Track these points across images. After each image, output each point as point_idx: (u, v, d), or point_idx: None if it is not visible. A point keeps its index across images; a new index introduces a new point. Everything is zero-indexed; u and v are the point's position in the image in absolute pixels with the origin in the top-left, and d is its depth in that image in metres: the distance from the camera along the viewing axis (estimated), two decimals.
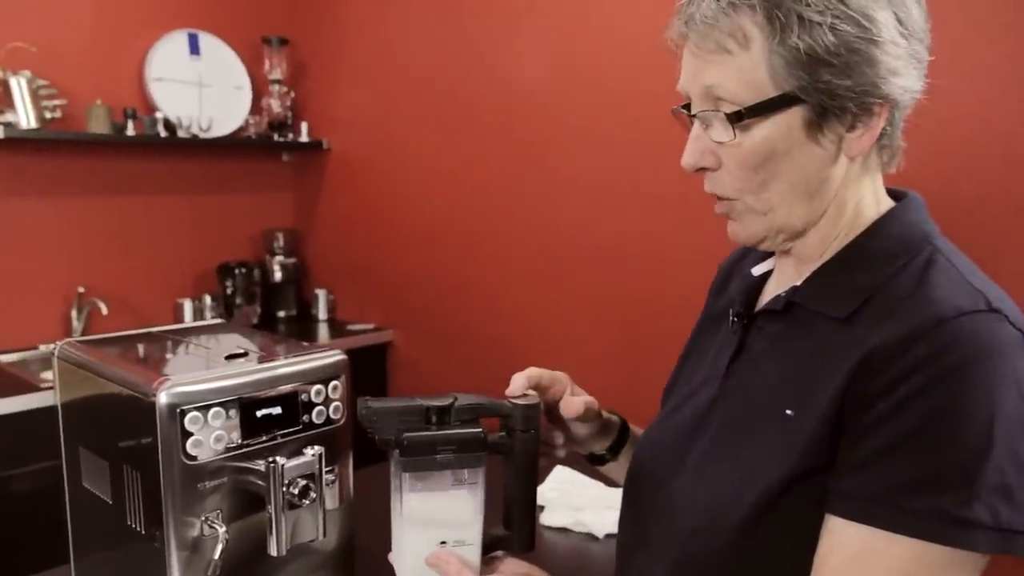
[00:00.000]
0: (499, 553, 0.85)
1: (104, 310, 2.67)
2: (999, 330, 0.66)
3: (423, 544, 0.79)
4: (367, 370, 2.99)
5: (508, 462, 0.82)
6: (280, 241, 3.21)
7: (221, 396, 0.96)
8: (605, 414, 0.99)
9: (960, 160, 1.63)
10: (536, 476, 0.83)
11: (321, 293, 3.20)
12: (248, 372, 1.00)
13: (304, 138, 3.16)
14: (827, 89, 0.70)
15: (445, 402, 0.78)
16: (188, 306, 2.95)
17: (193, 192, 3.04)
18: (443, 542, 0.79)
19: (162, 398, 0.92)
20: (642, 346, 2.21)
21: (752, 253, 0.92)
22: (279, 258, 3.18)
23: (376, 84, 2.96)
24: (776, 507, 0.72)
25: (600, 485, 1.57)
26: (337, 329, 3.08)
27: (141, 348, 1.12)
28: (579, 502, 1.48)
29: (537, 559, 1.36)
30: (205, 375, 0.97)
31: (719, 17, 0.71)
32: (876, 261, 0.75)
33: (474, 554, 0.80)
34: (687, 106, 0.78)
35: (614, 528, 1.42)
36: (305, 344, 1.13)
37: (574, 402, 0.89)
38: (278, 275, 3.17)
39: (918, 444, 0.64)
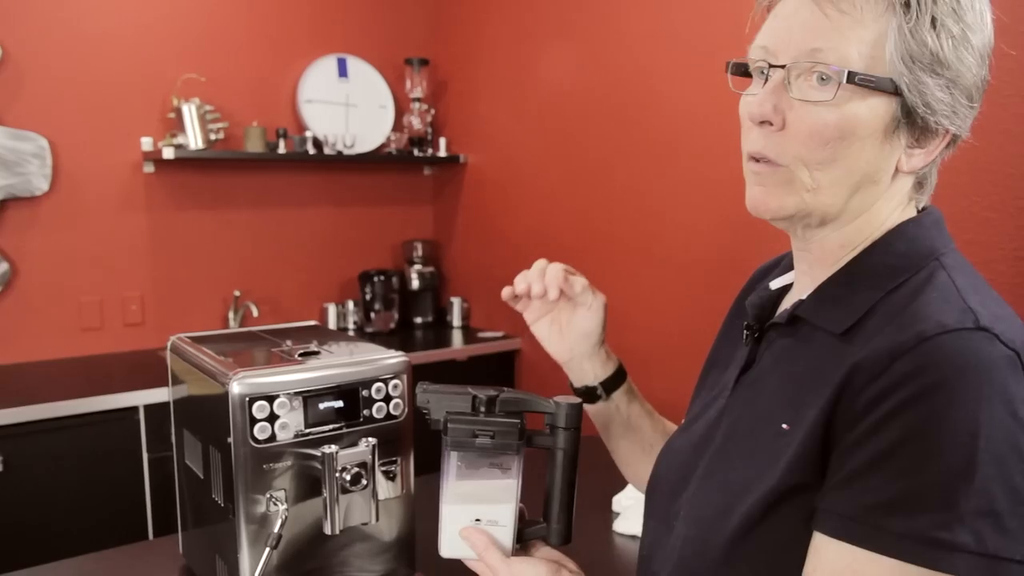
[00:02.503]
0: (536, 542, 0.90)
1: (255, 312, 2.95)
2: (985, 349, 0.64)
3: (460, 519, 0.86)
4: (496, 375, 3.09)
5: (550, 457, 0.87)
6: (419, 251, 3.39)
7: (286, 388, 1.07)
8: (609, 352, 1.04)
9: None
10: (575, 472, 0.88)
11: (456, 301, 3.35)
12: (312, 368, 1.11)
13: (442, 153, 3.32)
14: (925, 95, 0.70)
15: (492, 393, 0.84)
16: (332, 310, 3.18)
17: (338, 205, 3.29)
18: (477, 520, 0.86)
19: (234, 388, 1.05)
20: None
21: (778, 268, 0.92)
22: (417, 267, 3.36)
23: (510, 101, 3.07)
24: (764, 521, 0.72)
25: None
26: (469, 335, 3.21)
27: (236, 345, 1.27)
28: None
29: (606, 565, 1.40)
30: (274, 369, 1.09)
31: None
32: (878, 276, 0.73)
33: (505, 535, 0.86)
34: (743, 64, 0.77)
35: None
36: (376, 347, 1.22)
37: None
38: (416, 283, 3.35)
39: (898, 463, 0.63)
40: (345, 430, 1.12)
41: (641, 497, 1.56)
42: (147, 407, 2.35)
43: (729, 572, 0.75)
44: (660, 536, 0.86)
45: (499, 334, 3.17)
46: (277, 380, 1.07)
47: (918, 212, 0.79)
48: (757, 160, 0.75)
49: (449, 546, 0.87)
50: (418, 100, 3.31)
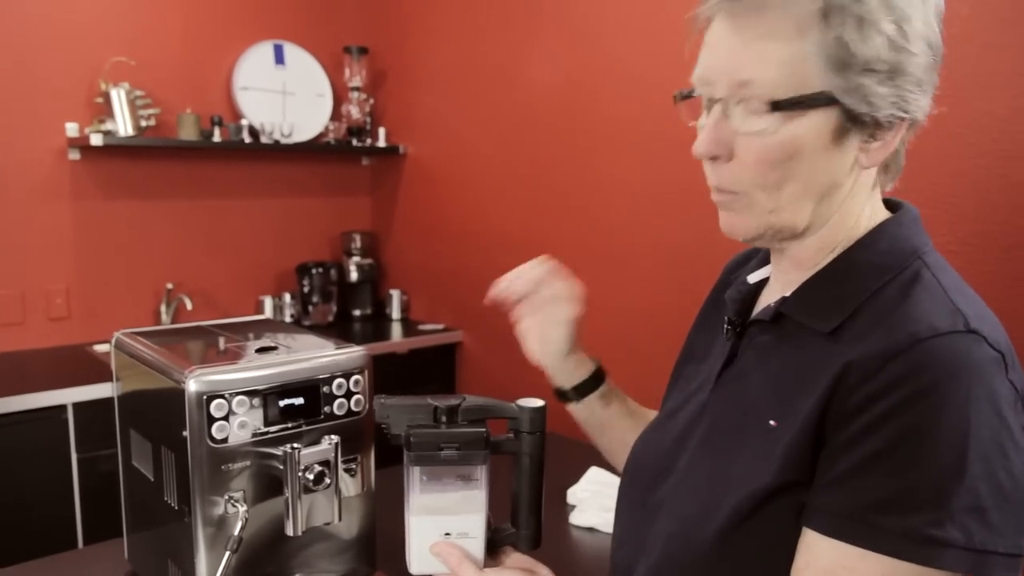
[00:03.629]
0: (507, 548, 0.88)
1: (189, 305, 2.85)
2: (975, 351, 0.66)
3: (429, 534, 0.83)
4: (436, 369, 3.07)
5: (515, 462, 0.85)
6: (357, 243, 3.34)
7: (245, 386, 1.04)
8: (585, 355, 1.04)
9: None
10: (542, 476, 0.86)
11: (395, 293, 3.31)
12: (272, 364, 1.07)
13: (382, 143, 3.27)
14: (865, 96, 0.69)
15: (453, 403, 0.82)
16: (269, 303, 3.10)
17: (275, 195, 3.21)
18: (447, 533, 0.83)
19: (191, 385, 1.01)
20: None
21: (754, 259, 0.93)
22: (356, 259, 3.31)
23: (451, 91, 3.05)
24: (753, 517, 0.72)
25: None
26: (409, 328, 3.18)
27: (186, 340, 1.22)
28: (610, 503, 1.50)
29: (564, 557, 1.40)
30: (232, 366, 1.05)
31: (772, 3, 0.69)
32: (864, 275, 0.74)
33: (477, 547, 0.84)
34: (688, 94, 0.77)
35: None
36: (333, 341, 1.20)
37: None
38: (354, 275, 3.29)
39: (891, 463, 0.65)
40: (305, 428, 1.09)
41: (597, 490, 1.58)
42: (76, 405, 2.25)
43: (717, 567, 0.75)
44: (636, 526, 0.86)
45: (440, 327, 3.14)
46: (236, 377, 1.03)
47: (890, 205, 0.80)
48: (719, 189, 0.76)
49: (419, 562, 0.84)
50: (357, 89, 3.24)
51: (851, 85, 0.68)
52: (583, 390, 1.04)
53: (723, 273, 1.00)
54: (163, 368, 1.07)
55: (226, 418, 1.02)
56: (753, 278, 0.89)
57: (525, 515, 0.86)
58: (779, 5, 0.68)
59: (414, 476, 0.82)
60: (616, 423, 1.06)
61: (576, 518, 1.49)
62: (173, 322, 2.88)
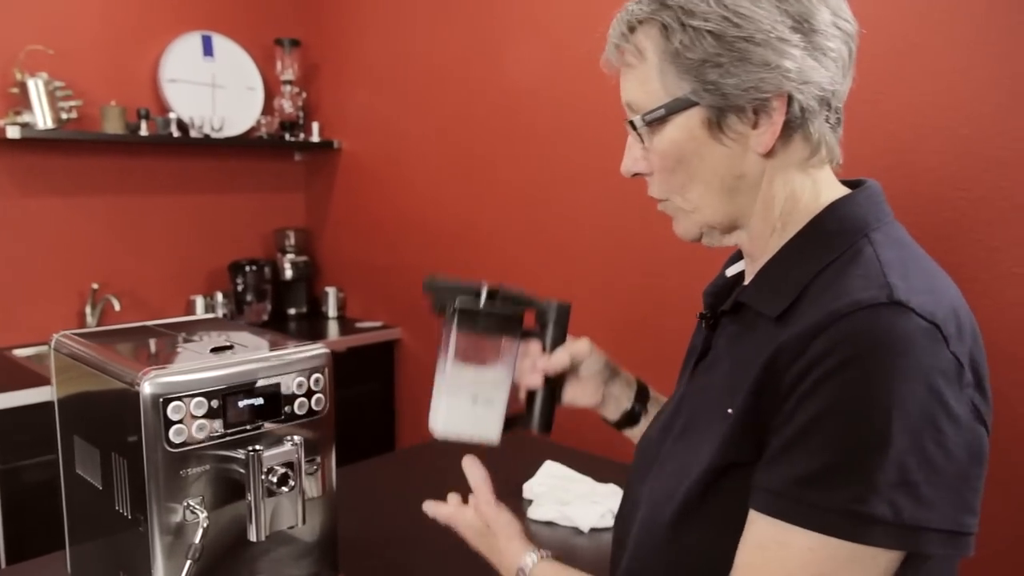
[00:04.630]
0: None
1: (117, 306, 2.74)
2: (899, 322, 0.65)
3: (459, 396, 0.93)
4: (376, 367, 3.03)
5: (545, 349, 0.96)
6: (291, 240, 3.26)
7: (203, 387, 0.99)
8: (622, 371, 1.06)
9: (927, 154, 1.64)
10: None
11: (331, 291, 3.25)
12: (230, 364, 1.03)
13: (315, 138, 3.20)
14: (716, 89, 0.73)
15: (495, 286, 0.93)
16: (200, 303, 3.00)
17: (206, 191, 3.10)
18: (475, 396, 0.93)
19: (146, 388, 0.96)
20: (652, 343, 2.23)
21: (738, 253, 0.94)
22: (290, 256, 3.23)
23: (386, 85, 3.00)
24: (703, 500, 0.74)
25: (588, 480, 1.59)
26: (346, 326, 3.12)
27: (133, 340, 1.16)
28: (567, 496, 1.51)
29: None
30: (188, 366, 1.00)
31: (622, 38, 0.78)
32: (809, 258, 0.75)
33: (496, 417, 0.95)
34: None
35: (599, 522, 1.45)
36: (291, 339, 1.16)
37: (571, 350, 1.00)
38: (289, 273, 3.22)
39: (816, 438, 0.65)
40: (263, 429, 1.05)
41: (553, 483, 1.58)
42: None
43: (675, 551, 0.77)
44: (627, 519, 0.88)
45: (378, 324, 3.10)
46: (193, 378, 0.99)
47: (852, 184, 0.81)
48: (654, 200, 0.84)
49: (445, 424, 0.93)
50: (289, 83, 3.17)
51: (704, 83, 0.73)
52: (642, 398, 1.05)
53: (721, 269, 1.01)
54: (112, 371, 1.02)
55: (183, 421, 0.98)
56: (731, 271, 0.91)
57: (541, 401, 0.96)
58: (624, 40, 0.78)
59: (452, 342, 0.92)
60: None
61: (534, 512, 1.49)
62: (99, 324, 2.75)
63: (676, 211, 0.82)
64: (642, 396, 1.06)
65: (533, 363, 0.98)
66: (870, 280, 0.69)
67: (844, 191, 0.80)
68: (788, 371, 0.68)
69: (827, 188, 0.79)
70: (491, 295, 0.93)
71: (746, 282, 0.82)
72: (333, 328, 3.13)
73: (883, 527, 0.63)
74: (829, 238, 0.75)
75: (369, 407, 3.03)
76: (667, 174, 0.79)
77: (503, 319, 0.92)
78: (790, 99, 0.73)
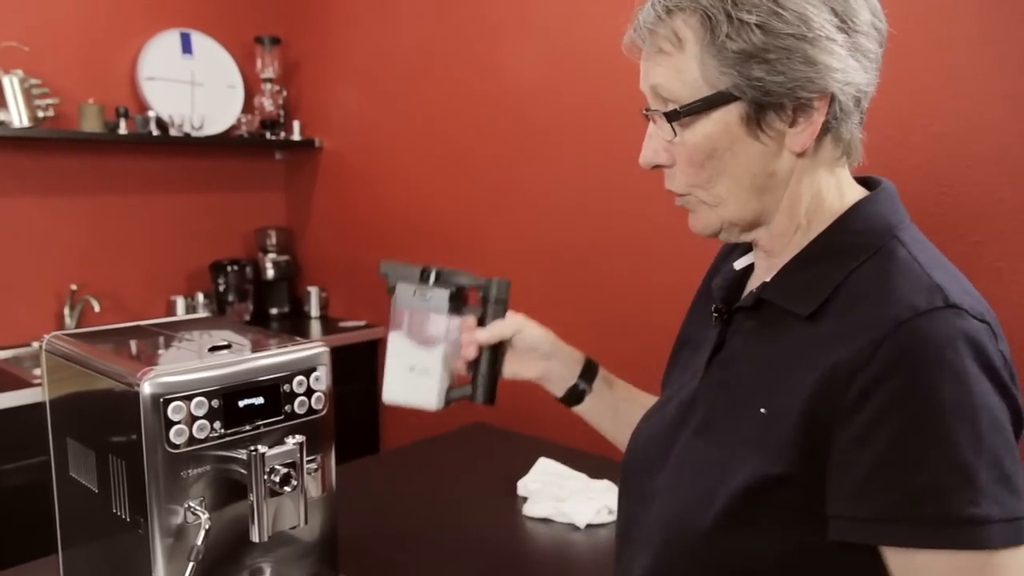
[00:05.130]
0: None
1: (97, 307, 2.69)
2: (959, 324, 0.66)
3: (398, 366, 1.05)
4: (359, 366, 3.01)
5: (480, 325, 1.02)
6: (272, 239, 3.23)
7: (203, 387, 0.98)
8: (568, 347, 1.06)
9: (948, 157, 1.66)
10: (501, 342, 1.03)
11: (313, 291, 3.22)
12: (230, 363, 1.02)
13: (296, 137, 3.17)
14: (760, 86, 0.71)
15: (435, 268, 1.02)
16: (181, 303, 2.96)
17: (186, 190, 3.06)
18: (412, 367, 1.04)
19: (146, 388, 0.94)
20: (633, 338, 2.23)
21: (741, 245, 0.93)
22: (271, 256, 3.20)
23: (368, 83, 2.98)
24: (746, 506, 0.73)
25: (583, 477, 1.59)
26: (329, 326, 3.10)
27: (128, 341, 1.14)
28: (562, 493, 1.51)
29: (521, 547, 1.39)
30: (188, 366, 0.99)
31: (657, 22, 0.75)
32: (839, 257, 0.75)
33: (431, 385, 1.03)
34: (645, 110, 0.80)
35: (595, 518, 1.45)
36: (289, 337, 1.15)
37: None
38: (270, 273, 3.18)
39: (910, 454, 0.64)
40: (264, 429, 1.04)
41: (548, 480, 1.58)
42: None
43: (712, 555, 0.75)
44: (636, 514, 0.86)
45: (361, 323, 3.08)
46: (193, 378, 0.98)
47: (869, 184, 0.81)
48: (677, 194, 0.81)
49: (386, 390, 1.05)
50: (270, 81, 3.13)
51: (747, 79, 0.71)
52: (588, 376, 1.05)
53: (714, 261, 1.01)
54: (110, 371, 1.00)
55: (184, 421, 0.96)
56: (739, 264, 0.90)
57: (483, 373, 1.02)
58: (661, 25, 0.74)
59: (395, 318, 1.03)
60: (624, 405, 1.06)
61: (529, 509, 1.49)
62: (79, 326, 2.71)
63: (698, 205, 0.80)
64: (588, 374, 1.06)
65: (470, 336, 1.02)
66: (917, 283, 0.69)
67: (863, 191, 0.80)
68: (852, 383, 0.67)
69: (848, 187, 0.80)
70: (425, 275, 1.02)
71: (767, 278, 0.80)
72: (316, 328, 3.10)
73: (995, 526, 0.63)
74: (858, 237, 0.75)
75: (353, 407, 3.01)
76: (694, 168, 0.77)
77: (439, 295, 1.01)
78: (832, 99, 0.73)
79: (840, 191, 0.79)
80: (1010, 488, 0.64)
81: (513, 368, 1.05)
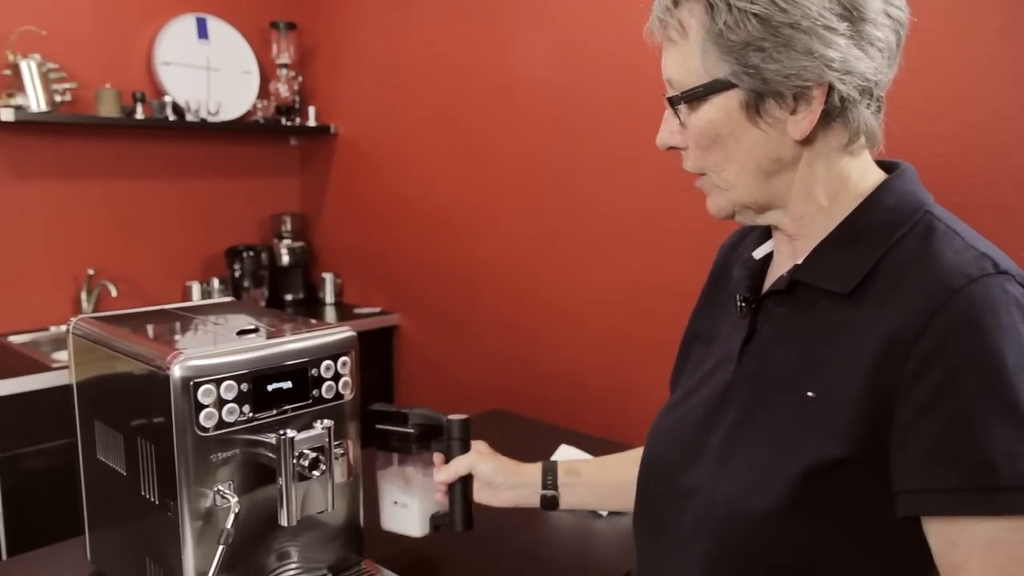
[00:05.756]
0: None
1: (114, 292, 2.70)
2: (1011, 290, 0.67)
3: (385, 501, 1.18)
4: (374, 353, 3.01)
5: (447, 461, 1.13)
6: (288, 225, 3.23)
7: (233, 370, 0.98)
8: (518, 464, 1.15)
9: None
10: (469, 474, 1.13)
11: (328, 277, 3.22)
12: (259, 347, 1.02)
13: (312, 122, 3.17)
14: (757, 74, 0.73)
15: (405, 410, 1.14)
16: (196, 289, 2.97)
17: (202, 176, 3.06)
18: (395, 502, 1.17)
19: (176, 371, 0.94)
20: (648, 328, 2.23)
21: (749, 236, 0.93)
22: (287, 242, 3.20)
23: (383, 69, 2.97)
24: (806, 493, 0.72)
25: None
26: (344, 312, 3.10)
27: (154, 324, 1.14)
28: None
29: (543, 536, 1.39)
30: (218, 349, 0.99)
31: (666, 12, 0.77)
32: (875, 233, 0.75)
33: (411, 517, 1.16)
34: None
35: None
36: (314, 321, 1.15)
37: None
38: (285, 259, 3.19)
39: (977, 420, 0.64)
40: (292, 413, 1.04)
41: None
42: None
43: (774, 544, 0.74)
44: (665, 514, 0.85)
45: (376, 310, 3.08)
46: (223, 361, 0.97)
47: (886, 167, 0.81)
48: (690, 173, 0.83)
49: (381, 521, 1.18)
50: (285, 66, 3.13)
51: (745, 67, 0.73)
52: (551, 481, 1.12)
53: (719, 254, 1.00)
54: (139, 354, 1.00)
55: (214, 405, 0.96)
56: (758, 253, 0.89)
57: (457, 502, 1.13)
58: (669, 15, 0.77)
59: (378, 459, 1.17)
60: (603, 479, 1.14)
61: None
62: (96, 310, 2.72)
63: (712, 188, 0.82)
64: (550, 480, 1.13)
65: (437, 474, 1.13)
66: (963, 252, 0.70)
67: (884, 173, 0.80)
68: (910, 356, 0.67)
69: (871, 170, 0.80)
70: (406, 417, 1.14)
71: (796, 261, 0.80)
72: (331, 314, 3.11)
73: None
74: (891, 214, 0.75)
75: (368, 393, 3.00)
76: (702, 151, 0.79)
77: (407, 438, 1.13)
78: (830, 89, 0.73)
79: (863, 173, 0.79)
80: None
81: (482, 497, 1.14)
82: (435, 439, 1.15)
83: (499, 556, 1.32)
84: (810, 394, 0.73)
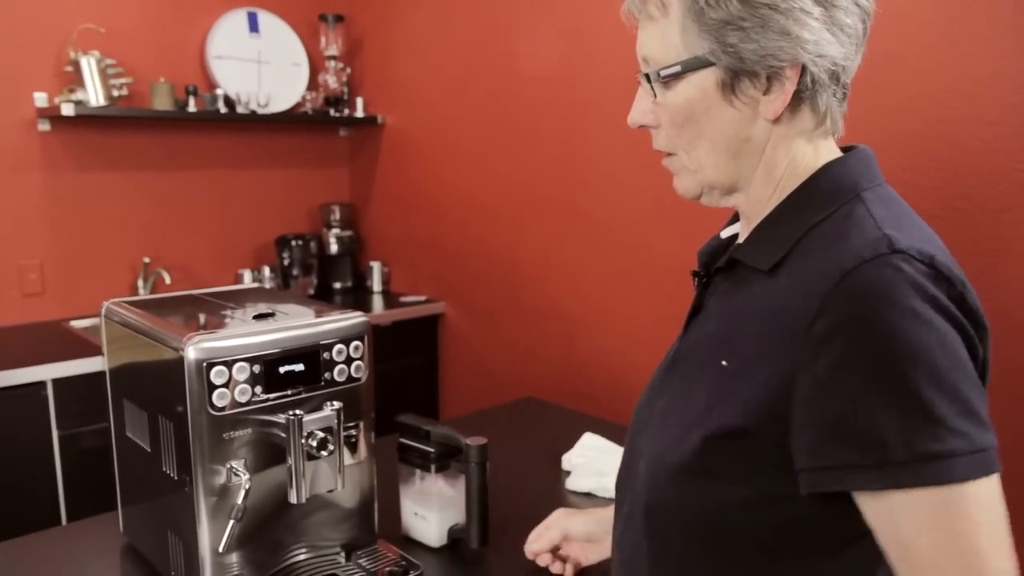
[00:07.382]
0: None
1: (168, 279, 2.81)
2: (903, 268, 0.67)
3: (407, 511, 1.26)
4: (419, 341, 3.06)
5: (466, 483, 1.19)
6: (336, 214, 3.29)
7: (245, 352, 1.02)
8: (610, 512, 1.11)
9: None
10: (485, 494, 1.19)
11: (376, 265, 3.28)
12: (271, 331, 1.05)
13: (360, 113, 3.22)
14: (735, 52, 0.74)
15: (428, 428, 1.21)
16: (248, 276, 3.06)
17: (252, 166, 3.15)
18: (416, 513, 1.25)
19: (190, 353, 0.99)
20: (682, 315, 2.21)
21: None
22: (335, 231, 3.27)
23: (430, 60, 3.00)
24: (704, 456, 0.75)
25: None
26: (391, 301, 3.15)
27: (179, 308, 1.19)
28: (604, 468, 1.51)
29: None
30: (231, 332, 1.03)
31: None
32: (801, 214, 0.77)
33: (429, 528, 1.24)
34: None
35: None
36: (332, 306, 1.18)
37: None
38: (334, 247, 3.26)
39: (868, 399, 0.65)
40: (305, 395, 1.08)
41: (592, 455, 1.58)
42: (55, 382, 2.21)
43: (683, 505, 0.77)
44: (627, 477, 0.89)
45: (422, 298, 3.12)
46: (235, 344, 1.01)
47: (844, 150, 0.82)
48: (666, 154, 0.85)
49: (403, 528, 1.27)
50: (334, 58, 3.19)
51: (722, 46, 0.74)
52: None
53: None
54: (159, 336, 1.05)
55: (226, 385, 1.00)
56: (725, 233, 0.93)
57: (472, 521, 1.19)
58: None
59: (401, 472, 1.25)
60: None
61: (572, 483, 1.49)
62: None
63: (680, 168, 0.83)
64: None
65: (528, 547, 1.17)
66: (866, 235, 0.70)
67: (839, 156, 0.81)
68: (807, 336, 0.68)
69: (826, 155, 0.81)
70: (428, 435, 1.20)
71: (740, 242, 0.84)
72: (378, 302, 3.16)
73: (961, 459, 0.64)
74: (821, 196, 0.77)
75: (413, 380, 3.06)
76: (675, 129, 0.80)
77: (428, 456, 1.20)
78: (803, 70, 0.75)
79: (816, 159, 0.80)
80: (975, 420, 0.65)
81: (590, 557, 1.16)
82: (454, 459, 1.20)
83: (518, 540, 1.33)
84: (723, 363, 0.76)
